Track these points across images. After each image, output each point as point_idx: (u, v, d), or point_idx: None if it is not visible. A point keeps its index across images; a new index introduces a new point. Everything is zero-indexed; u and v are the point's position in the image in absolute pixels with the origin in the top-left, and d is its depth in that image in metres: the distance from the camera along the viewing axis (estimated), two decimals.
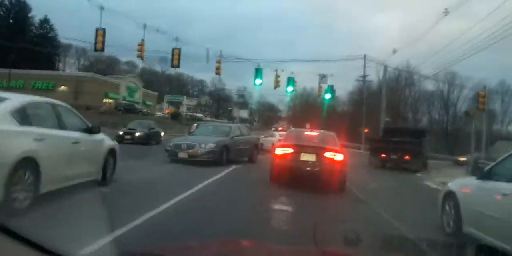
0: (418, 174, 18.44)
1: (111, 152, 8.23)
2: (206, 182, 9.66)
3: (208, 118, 64.51)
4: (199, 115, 62.17)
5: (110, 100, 53.00)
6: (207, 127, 15.96)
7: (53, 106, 6.63)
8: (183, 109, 71.74)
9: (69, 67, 77.03)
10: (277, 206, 7.92)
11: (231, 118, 74.13)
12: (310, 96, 73.71)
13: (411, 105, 59.40)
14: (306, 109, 75.86)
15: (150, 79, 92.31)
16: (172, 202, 6.94)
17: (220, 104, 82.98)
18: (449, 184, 6.57)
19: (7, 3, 69.21)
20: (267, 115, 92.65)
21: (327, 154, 9.71)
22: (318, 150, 9.84)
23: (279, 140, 20.05)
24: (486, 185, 5.32)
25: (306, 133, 12.24)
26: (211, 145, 13.31)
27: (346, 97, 62.02)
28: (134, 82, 63.33)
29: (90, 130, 7.43)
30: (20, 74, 52.68)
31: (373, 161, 21.05)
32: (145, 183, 8.71)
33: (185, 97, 60.06)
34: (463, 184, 6.15)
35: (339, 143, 10.92)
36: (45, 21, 73.26)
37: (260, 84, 28.89)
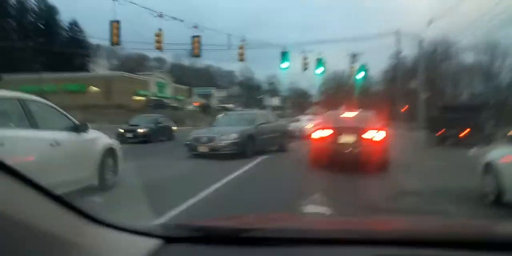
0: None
1: (110, 152, 6.99)
2: (225, 180, 8.30)
3: (239, 108, 63.32)
4: (230, 105, 60.94)
5: (140, 98, 52.50)
6: (231, 117, 14.60)
7: (23, 102, 5.39)
8: (213, 101, 70.92)
9: (100, 68, 77.32)
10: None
11: (262, 107, 72.61)
12: (342, 79, 71.32)
13: (450, 79, 55.97)
14: (338, 92, 73.49)
15: (180, 74, 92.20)
16: (180, 208, 5.66)
17: (250, 93, 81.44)
18: (487, 154, 6.40)
19: (36, 8, 70.06)
20: (298, 101, 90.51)
21: (366, 134, 9.34)
22: (356, 131, 9.43)
23: (311, 124, 18.85)
24: None
25: (343, 114, 11.50)
26: (234, 135, 11.95)
27: (380, 76, 59.21)
28: (163, 78, 62.76)
29: (76, 129, 6.19)
30: (51, 78, 52.97)
31: (431, 139, 19.38)
32: (151, 186, 7.45)
33: (213, 89, 58.81)
34: (502, 154, 6.00)
35: (380, 121, 10.37)
36: (74, 24, 73.92)
37: (287, 68, 27.38)
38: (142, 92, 55.51)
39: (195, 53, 23.80)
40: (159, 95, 58.66)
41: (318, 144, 9.65)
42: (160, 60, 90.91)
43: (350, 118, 10.75)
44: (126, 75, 54.36)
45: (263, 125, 13.42)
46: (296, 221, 1.80)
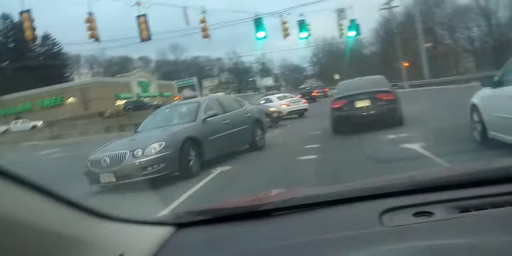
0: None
1: None
2: None
3: (231, 95, 57.87)
4: (220, 94, 55.41)
5: (122, 101, 47.04)
6: (164, 112, 8.97)
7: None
8: (205, 92, 65.43)
9: (84, 77, 71.91)
10: None
11: (256, 89, 66.92)
12: (333, 45, 65.14)
13: (447, 25, 49.58)
14: (332, 60, 67.49)
15: (168, 70, 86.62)
16: None
17: (241, 77, 75.49)
18: (472, 98, 6.52)
19: (3, 27, 64.56)
20: (293, 78, 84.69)
21: (379, 96, 9.98)
22: (369, 95, 10.08)
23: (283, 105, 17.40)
24: (498, 92, 5.51)
25: (355, 82, 11.86)
26: (155, 146, 6.54)
27: (372, 36, 52.89)
28: (145, 76, 57.07)
29: None
30: (27, 96, 47.92)
31: None
32: None
33: (195, 78, 52.87)
34: (482, 95, 6.21)
35: (387, 83, 11.12)
36: (46, 38, 68.45)
37: (264, 37, 21.79)
38: (123, 95, 50.07)
39: (144, 36, 18.21)
40: (143, 95, 53.23)
41: (338, 112, 10.09)
42: (144, 59, 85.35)
43: (362, 84, 11.07)
44: (101, 80, 49.07)
45: (216, 118, 7.99)
46: (303, 192, 1.53)
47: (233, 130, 8.36)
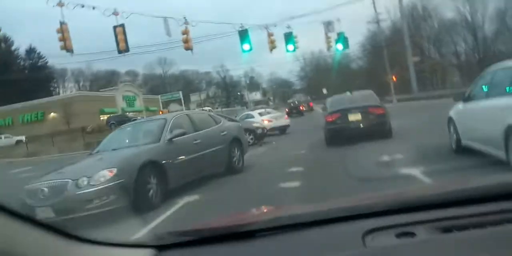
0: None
1: None
2: None
3: (218, 109, 56.59)
4: (207, 108, 54.07)
5: (106, 116, 45.50)
6: (123, 131, 7.73)
7: None
8: (192, 106, 64.29)
9: (70, 91, 70.23)
10: None
11: (243, 104, 66.05)
12: (320, 59, 64.72)
13: (433, 39, 49.30)
14: (319, 74, 66.95)
15: (155, 84, 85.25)
16: None
17: (229, 91, 74.49)
18: (449, 111, 7.18)
19: None
20: (281, 92, 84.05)
21: (371, 110, 10.50)
22: (361, 109, 10.53)
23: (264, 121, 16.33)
24: (467, 106, 6.31)
25: (346, 96, 12.27)
26: (104, 174, 5.32)
27: (359, 50, 52.41)
28: (131, 90, 55.65)
29: None
30: (7, 110, 46.26)
31: None
32: None
33: (180, 92, 51.54)
34: (455, 109, 6.92)
35: (377, 98, 11.59)
36: (31, 51, 67.10)
37: (250, 50, 20.74)
38: (108, 109, 48.57)
39: (121, 48, 17.07)
40: (129, 109, 51.76)
41: (331, 125, 10.57)
42: (131, 73, 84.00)
43: (353, 98, 11.50)
44: (85, 94, 47.63)
45: (184, 137, 6.81)
46: (286, 210, 1.60)
47: (206, 151, 7.18)
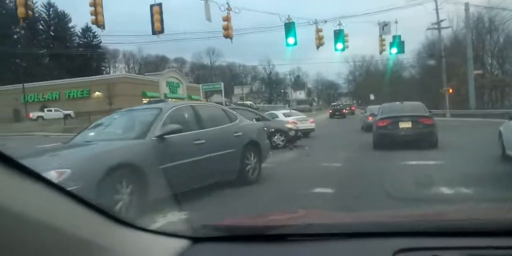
0: None
1: None
2: None
3: (260, 105, 55.15)
4: (248, 102, 52.72)
5: (147, 100, 45.12)
6: (109, 120, 6.18)
7: None
8: (234, 99, 63.21)
9: (119, 72, 71.08)
10: None
11: (286, 102, 64.26)
12: (371, 64, 61.80)
13: (496, 54, 45.28)
14: (368, 79, 63.95)
15: (202, 73, 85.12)
16: None
17: (272, 88, 72.78)
18: (500, 127, 8.54)
19: (45, 16, 64.55)
20: (326, 93, 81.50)
21: (420, 120, 11.01)
22: (412, 118, 11.07)
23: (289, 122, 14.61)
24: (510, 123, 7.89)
25: (397, 105, 12.84)
26: (52, 175, 3.83)
27: (413, 57, 49.14)
28: (176, 77, 55.16)
29: None
30: (55, 85, 46.89)
31: None
32: None
33: (221, 83, 50.35)
34: (505, 124, 8.30)
35: (426, 110, 12.00)
36: (87, 30, 68.54)
37: (294, 44, 18.99)
38: (150, 93, 48.25)
39: (156, 29, 15.80)
40: (171, 95, 51.27)
41: (383, 129, 11.19)
42: (180, 61, 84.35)
43: (403, 107, 12.08)
44: (130, 76, 47.50)
45: (181, 135, 5.24)
46: (322, 217, 1.60)
47: (209, 155, 5.59)
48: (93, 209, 0.86)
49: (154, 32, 15.74)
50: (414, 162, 8.18)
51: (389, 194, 4.95)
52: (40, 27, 64.29)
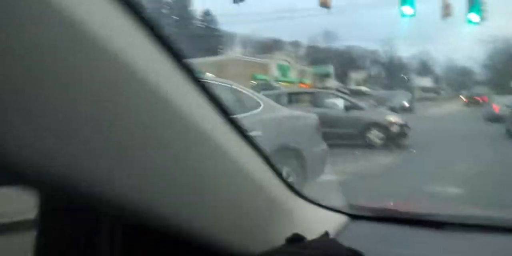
0: None
1: None
2: None
3: (375, 91, 50.28)
4: (363, 88, 48.21)
5: (256, 82, 43.93)
6: None
7: None
8: (351, 84, 58.91)
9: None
10: None
11: (408, 88, 57.66)
12: None
13: None
14: (511, 66, 54.07)
15: (319, 57, 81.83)
16: None
17: (392, 73, 66.13)
18: None
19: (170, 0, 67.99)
20: (458, 81, 71.86)
21: None
22: None
23: None
24: None
25: None
26: None
27: None
28: (286, 60, 52.97)
29: None
30: None
31: None
32: None
33: (332, 67, 46.51)
34: None
35: None
36: (207, 13, 71.22)
37: (413, 15, 15.17)
38: (260, 76, 46.87)
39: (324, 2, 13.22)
40: (281, 79, 49.31)
41: None
42: (295, 44, 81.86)
43: None
44: (240, 58, 46.55)
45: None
46: (482, 212, 1.55)
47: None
48: (277, 173, 0.88)
49: (235, 1, 13.34)
50: None
51: None
52: (165, 11, 67.67)
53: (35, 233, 0.69)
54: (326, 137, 8.79)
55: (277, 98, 10.08)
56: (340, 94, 11.78)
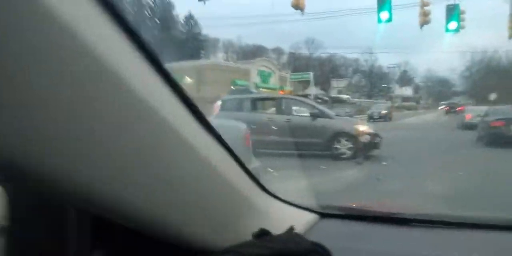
0: None
1: None
2: None
3: (356, 99, 50.22)
4: (345, 96, 48.02)
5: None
6: None
7: None
8: (332, 92, 58.94)
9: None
10: None
11: (389, 98, 57.84)
12: (493, 59, 52.74)
13: None
14: (488, 77, 54.76)
15: (300, 64, 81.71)
16: None
17: (373, 82, 66.34)
18: None
19: (151, 3, 67.04)
20: (437, 91, 72.69)
21: None
22: None
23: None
24: None
25: (507, 108, 13.98)
26: None
27: None
28: (267, 66, 52.55)
29: None
30: None
31: None
32: None
33: (311, 74, 46.27)
34: None
35: None
36: (189, 17, 70.60)
37: (388, 20, 14.85)
38: (240, 82, 46.24)
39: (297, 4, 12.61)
40: (262, 85, 48.82)
41: (495, 129, 11.96)
42: (277, 51, 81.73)
43: None
44: (219, 63, 45.92)
45: None
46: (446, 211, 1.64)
47: None
48: (246, 170, 0.89)
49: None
50: None
51: None
52: (147, 14, 66.79)
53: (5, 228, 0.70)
54: (290, 146, 8.19)
55: (239, 104, 9.51)
56: (308, 100, 11.17)
